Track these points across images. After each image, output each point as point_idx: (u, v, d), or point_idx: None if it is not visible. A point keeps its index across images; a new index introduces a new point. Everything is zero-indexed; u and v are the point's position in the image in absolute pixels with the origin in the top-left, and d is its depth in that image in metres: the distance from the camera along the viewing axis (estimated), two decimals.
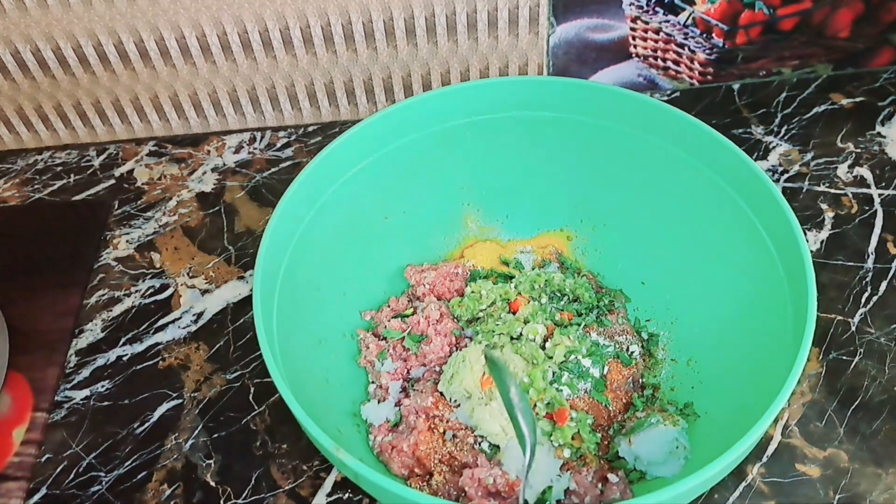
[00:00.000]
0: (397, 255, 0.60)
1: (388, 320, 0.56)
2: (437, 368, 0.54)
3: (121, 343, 0.59)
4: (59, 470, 0.53)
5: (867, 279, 0.59)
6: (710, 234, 0.54)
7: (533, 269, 0.60)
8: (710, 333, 0.53)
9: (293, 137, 0.73)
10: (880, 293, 0.58)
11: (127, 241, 0.66)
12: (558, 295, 0.57)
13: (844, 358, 0.55)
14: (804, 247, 0.46)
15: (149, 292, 0.62)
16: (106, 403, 0.56)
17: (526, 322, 0.54)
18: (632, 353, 0.54)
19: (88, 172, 0.72)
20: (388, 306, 0.58)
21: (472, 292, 0.57)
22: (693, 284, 0.55)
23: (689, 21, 0.69)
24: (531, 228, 0.62)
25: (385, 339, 0.55)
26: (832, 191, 0.65)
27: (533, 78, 0.58)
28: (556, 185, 0.60)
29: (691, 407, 0.51)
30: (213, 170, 0.71)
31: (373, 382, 0.55)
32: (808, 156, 0.68)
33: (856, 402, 0.53)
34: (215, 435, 0.54)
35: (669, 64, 0.72)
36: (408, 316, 0.56)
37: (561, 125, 0.57)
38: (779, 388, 0.41)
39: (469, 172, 0.60)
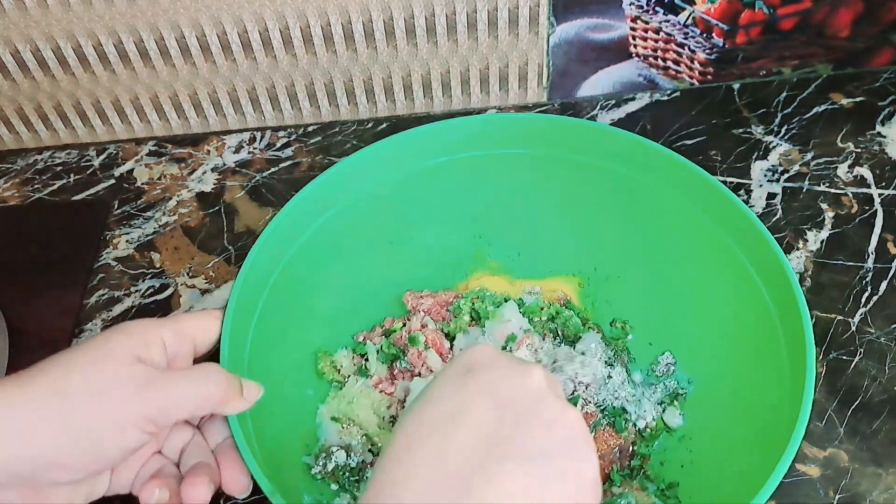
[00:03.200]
0: (400, 283, 0.58)
1: (377, 337, 0.56)
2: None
3: None
4: None
5: (867, 279, 0.59)
6: (722, 305, 0.51)
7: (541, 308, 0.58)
8: (713, 411, 0.50)
9: (293, 137, 0.73)
10: (880, 293, 0.58)
11: (127, 241, 0.66)
12: (560, 335, 0.55)
13: (844, 358, 0.55)
14: (808, 329, 0.43)
15: (149, 292, 0.62)
16: None
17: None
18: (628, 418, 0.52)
19: (88, 172, 0.72)
20: (382, 326, 0.57)
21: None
22: (702, 354, 0.52)
23: (690, 21, 0.69)
24: (543, 270, 0.59)
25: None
26: (832, 190, 0.65)
27: (557, 118, 0.55)
28: (571, 228, 0.57)
29: (675, 489, 0.48)
30: (212, 170, 0.71)
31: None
32: (809, 155, 0.68)
33: (856, 402, 0.53)
34: None
35: (669, 64, 0.72)
36: (396, 331, 0.55)
37: (582, 168, 0.54)
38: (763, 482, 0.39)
39: (484, 205, 0.58)
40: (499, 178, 0.57)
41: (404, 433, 0.34)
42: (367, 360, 0.55)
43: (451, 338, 0.55)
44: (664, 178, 0.52)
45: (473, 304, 0.56)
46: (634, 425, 0.51)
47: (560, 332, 0.55)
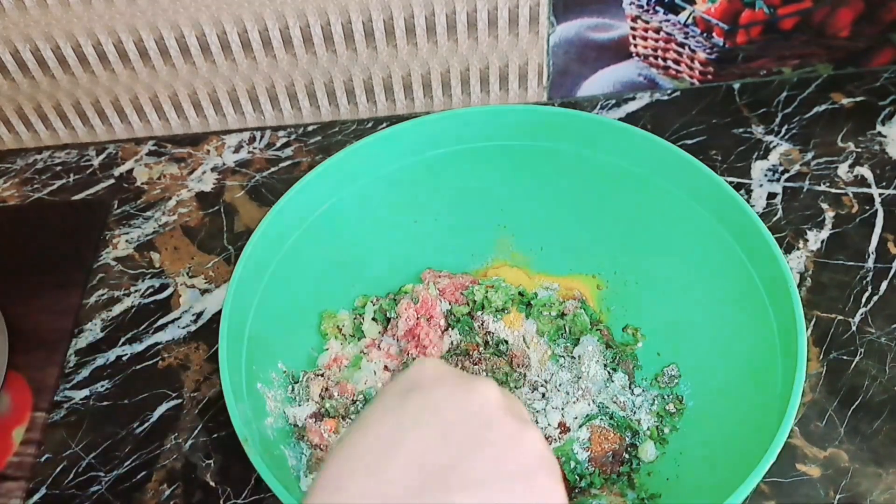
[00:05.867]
0: (421, 262, 0.59)
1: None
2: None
3: (120, 343, 0.59)
4: (58, 470, 0.53)
5: (868, 279, 0.59)
6: (729, 323, 0.50)
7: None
8: (707, 427, 0.49)
9: (293, 137, 0.73)
10: (881, 293, 0.58)
11: (126, 241, 0.66)
12: (567, 331, 0.55)
13: (845, 358, 0.55)
14: (803, 345, 0.43)
15: (148, 292, 0.62)
16: (105, 403, 0.56)
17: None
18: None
19: (88, 172, 0.72)
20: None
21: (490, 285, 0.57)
22: (705, 371, 0.51)
23: (690, 20, 0.69)
24: (563, 267, 0.59)
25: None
26: (833, 190, 0.65)
27: (595, 116, 0.55)
28: (595, 228, 0.57)
29: (656, 501, 0.47)
30: (212, 169, 0.71)
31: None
32: (809, 155, 0.67)
33: (856, 402, 0.53)
34: (215, 435, 0.54)
35: (670, 63, 0.72)
36: (402, 293, 0.57)
37: (611, 170, 0.54)
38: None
39: (514, 195, 0.58)
40: (531, 170, 0.56)
41: (334, 465, 0.29)
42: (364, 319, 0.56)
43: (450, 325, 0.55)
44: (690, 189, 0.51)
45: (487, 292, 0.56)
46: (631, 431, 0.51)
47: (567, 329, 0.55)
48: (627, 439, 0.51)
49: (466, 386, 0.31)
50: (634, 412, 0.51)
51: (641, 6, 0.68)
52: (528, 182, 0.57)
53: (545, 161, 0.56)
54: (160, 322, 0.60)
